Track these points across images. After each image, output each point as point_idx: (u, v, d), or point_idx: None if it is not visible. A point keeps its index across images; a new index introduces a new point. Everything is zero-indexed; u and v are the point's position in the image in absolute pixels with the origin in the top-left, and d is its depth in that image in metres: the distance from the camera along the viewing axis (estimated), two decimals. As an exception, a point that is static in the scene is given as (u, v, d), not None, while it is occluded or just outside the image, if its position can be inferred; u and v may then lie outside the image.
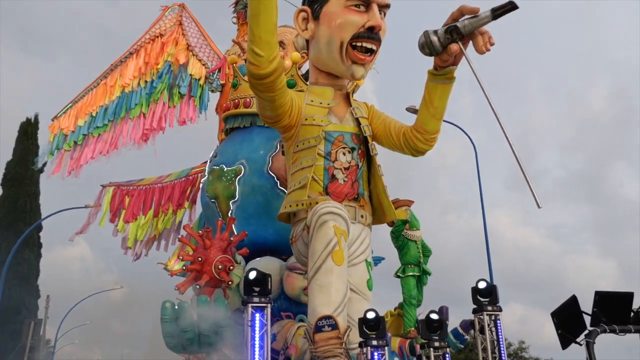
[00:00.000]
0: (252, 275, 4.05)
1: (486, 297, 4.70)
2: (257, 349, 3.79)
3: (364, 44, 4.73)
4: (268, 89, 4.33)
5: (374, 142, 5.21)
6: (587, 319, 2.65)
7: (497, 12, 3.88)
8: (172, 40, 8.02)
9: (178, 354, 5.65)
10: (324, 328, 3.94)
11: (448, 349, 4.31)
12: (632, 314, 2.58)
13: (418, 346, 4.66)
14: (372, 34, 4.70)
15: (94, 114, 7.68)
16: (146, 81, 7.78)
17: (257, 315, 3.91)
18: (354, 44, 4.73)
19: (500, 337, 4.56)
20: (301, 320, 6.03)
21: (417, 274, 6.53)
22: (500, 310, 4.69)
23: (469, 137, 17.66)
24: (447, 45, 4.10)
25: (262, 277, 4.10)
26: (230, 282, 5.69)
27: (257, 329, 3.86)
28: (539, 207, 3.37)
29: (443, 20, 4.22)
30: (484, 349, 4.66)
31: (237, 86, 7.38)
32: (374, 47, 4.83)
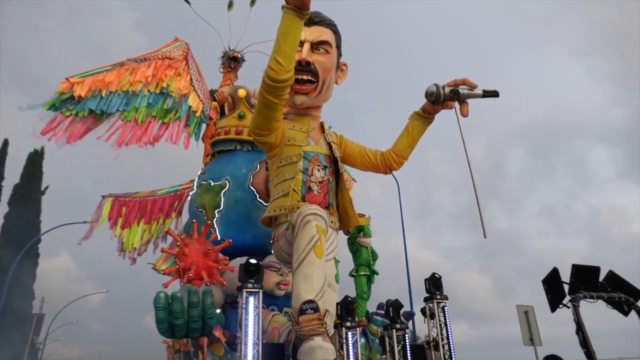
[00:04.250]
0: (253, 261, 3.59)
1: (436, 289, 4.39)
2: (250, 328, 3.30)
3: (296, 76, 4.30)
4: (277, 94, 3.94)
5: (343, 164, 4.95)
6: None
7: (486, 94, 4.11)
8: (177, 68, 7.38)
9: (168, 338, 5.01)
10: (307, 311, 3.50)
11: (407, 330, 3.93)
12: (598, 284, 2.41)
13: (379, 329, 4.27)
14: (300, 67, 4.38)
15: (103, 95, 6.42)
16: (149, 90, 6.89)
17: (251, 298, 3.42)
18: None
19: (447, 321, 4.23)
20: (272, 310, 5.58)
21: (368, 273, 6.16)
22: (447, 298, 4.38)
23: (394, 176, 17.76)
24: (445, 101, 4.23)
25: (256, 267, 3.63)
26: (224, 284, 5.23)
27: (250, 311, 3.37)
28: (485, 237, 3.26)
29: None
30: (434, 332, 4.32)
31: (243, 117, 6.87)
32: (305, 77, 4.50)
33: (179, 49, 7.58)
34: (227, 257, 5.49)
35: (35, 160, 28.38)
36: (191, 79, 7.46)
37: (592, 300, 2.33)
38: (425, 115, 4.60)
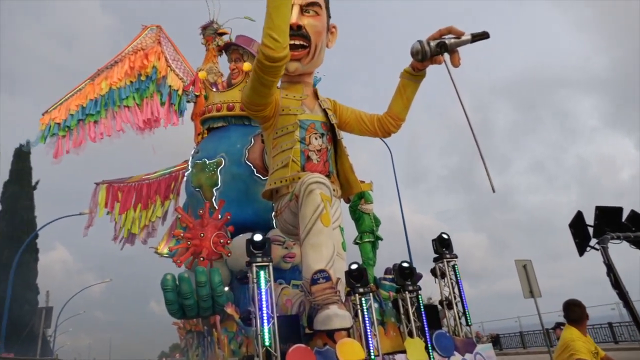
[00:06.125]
0: (257, 238, 3.46)
1: (445, 248, 4.31)
2: (264, 302, 3.20)
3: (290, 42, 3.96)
4: (275, 73, 3.74)
5: (339, 130, 4.79)
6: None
7: (475, 38, 3.84)
8: (154, 52, 7.19)
9: (179, 319, 4.93)
10: (319, 280, 3.42)
11: (420, 292, 3.86)
12: (622, 224, 2.36)
13: (391, 293, 4.21)
14: (291, 31, 4.02)
15: (84, 106, 6.63)
16: (132, 81, 6.92)
17: (262, 272, 3.32)
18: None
19: (459, 280, 4.17)
20: (281, 283, 5.51)
21: (372, 240, 6.10)
22: (457, 257, 4.31)
23: (385, 143, 17.60)
24: (433, 56, 3.99)
25: (264, 241, 3.51)
26: (228, 254, 5.15)
27: (262, 285, 3.27)
28: (493, 191, 3.15)
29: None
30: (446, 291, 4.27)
31: (207, 98, 6.93)
32: (297, 42, 4.24)
33: (150, 37, 7.42)
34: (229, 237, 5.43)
35: (22, 156, 27.81)
36: (166, 59, 7.26)
37: (617, 241, 2.27)
38: (416, 73, 4.39)
